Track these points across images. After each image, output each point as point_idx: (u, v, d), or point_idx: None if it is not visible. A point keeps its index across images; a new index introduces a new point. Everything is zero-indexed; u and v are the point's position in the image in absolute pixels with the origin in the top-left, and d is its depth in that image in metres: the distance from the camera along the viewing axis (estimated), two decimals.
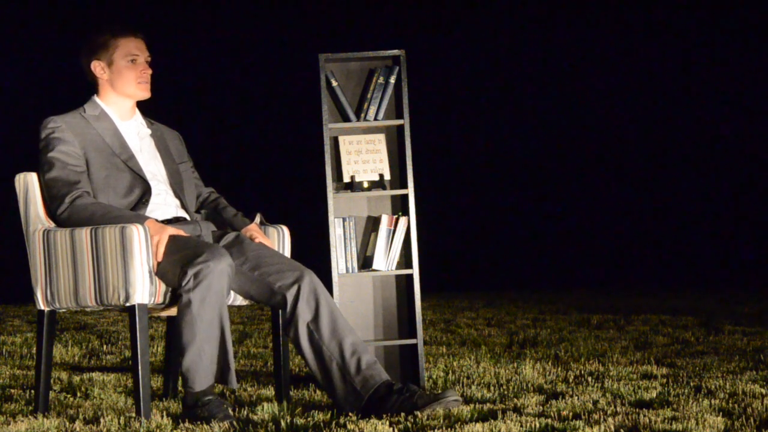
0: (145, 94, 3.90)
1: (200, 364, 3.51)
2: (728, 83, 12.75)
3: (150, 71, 3.89)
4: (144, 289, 3.55)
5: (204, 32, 12.04)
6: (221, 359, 3.54)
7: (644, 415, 3.39)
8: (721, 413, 3.45)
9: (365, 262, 4.54)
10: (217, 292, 3.53)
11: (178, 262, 3.55)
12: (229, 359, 3.55)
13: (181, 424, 3.41)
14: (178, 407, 3.84)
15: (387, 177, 4.56)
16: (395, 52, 4.52)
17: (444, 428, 3.27)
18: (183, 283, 3.51)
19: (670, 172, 13.06)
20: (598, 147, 13.07)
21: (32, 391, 4.21)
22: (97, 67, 3.86)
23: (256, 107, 12.32)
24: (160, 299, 3.62)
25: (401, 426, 3.31)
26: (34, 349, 5.73)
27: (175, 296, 3.63)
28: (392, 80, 4.54)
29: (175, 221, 3.82)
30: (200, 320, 3.51)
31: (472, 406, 3.65)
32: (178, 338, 3.54)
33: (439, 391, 3.58)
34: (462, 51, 12.79)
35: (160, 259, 3.60)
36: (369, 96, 4.54)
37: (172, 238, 3.63)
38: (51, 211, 3.73)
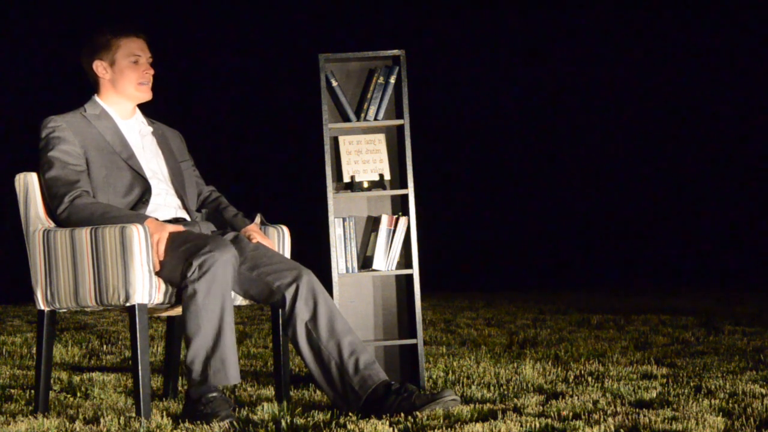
0: (146, 95, 3.90)
1: (204, 357, 3.50)
2: (728, 84, 12.75)
3: (152, 72, 3.89)
4: (144, 289, 3.55)
5: (204, 32, 12.04)
6: (223, 353, 3.52)
7: (644, 415, 3.39)
8: (721, 413, 3.45)
9: (365, 262, 4.54)
10: (222, 283, 3.53)
11: (182, 256, 3.55)
12: (230, 353, 3.52)
13: (181, 424, 3.41)
14: (178, 407, 3.84)
15: (387, 177, 4.56)
16: (395, 52, 4.52)
17: (444, 428, 3.27)
18: (188, 274, 3.51)
19: (671, 172, 13.06)
20: (599, 147, 13.07)
21: (32, 391, 4.21)
22: (99, 66, 3.86)
23: (256, 107, 12.32)
24: (161, 299, 3.62)
25: (401, 426, 3.31)
26: (34, 349, 5.73)
27: (179, 296, 3.62)
28: (392, 80, 4.54)
29: (174, 222, 3.82)
30: (205, 311, 3.50)
31: (472, 406, 3.65)
32: (183, 329, 3.53)
33: (437, 391, 3.58)
34: (462, 51, 12.79)
35: (161, 257, 3.59)
36: (369, 96, 4.54)
37: (173, 235, 3.63)
38: (51, 211, 3.73)
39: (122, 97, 3.88)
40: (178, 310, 3.89)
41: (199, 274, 3.51)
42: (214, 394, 3.50)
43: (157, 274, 3.61)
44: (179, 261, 3.56)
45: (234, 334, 3.55)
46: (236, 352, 3.55)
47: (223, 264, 3.53)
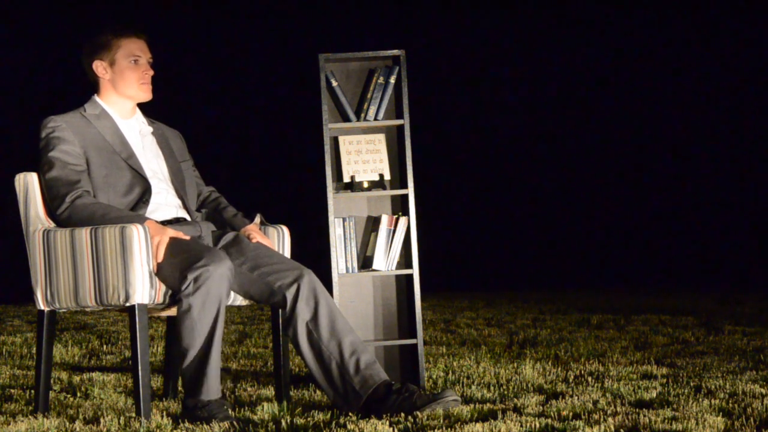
0: (146, 95, 3.89)
1: (198, 369, 3.50)
2: (726, 86, 12.75)
3: (152, 72, 3.89)
4: (144, 289, 3.55)
5: (204, 32, 12.04)
6: (210, 368, 3.50)
7: (644, 415, 3.39)
8: (721, 413, 3.45)
9: (365, 262, 4.54)
10: (216, 297, 3.52)
11: (178, 266, 3.55)
12: (214, 368, 3.51)
13: (181, 424, 3.41)
14: (178, 407, 3.84)
15: (387, 177, 4.56)
16: (395, 52, 4.52)
17: (444, 428, 3.27)
18: (183, 288, 3.51)
19: (670, 173, 13.06)
20: (599, 147, 13.07)
21: (32, 391, 4.21)
22: (99, 66, 3.85)
23: (256, 107, 12.32)
24: (160, 299, 3.62)
25: (401, 426, 3.31)
26: (34, 349, 5.73)
27: (174, 298, 3.62)
28: (392, 80, 4.54)
29: (175, 222, 3.82)
30: (200, 324, 3.50)
31: (472, 406, 3.65)
32: (178, 342, 3.53)
33: (438, 391, 3.58)
34: (462, 51, 12.79)
35: (160, 260, 3.59)
36: (369, 96, 4.54)
37: (173, 241, 3.62)
38: (51, 211, 3.72)
39: (122, 97, 3.88)
40: (175, 310, 3.88)
41: (194, 288, 3.51)
42: (209, 398, 3.50)
43: (156, 274, 3.61)
44: (175, 269, 3.56)
45: (221, 348, 3.55)
46: (219, 366, 3.55)
47: (218, 278, 3.52)
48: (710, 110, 12.86)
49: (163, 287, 3.61)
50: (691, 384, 4.14)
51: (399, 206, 4.60)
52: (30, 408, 3.84)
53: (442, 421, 3.37)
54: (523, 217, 13.15)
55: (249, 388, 4.29)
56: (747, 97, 12.71)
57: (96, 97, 3.89)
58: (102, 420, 3.46)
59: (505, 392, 4.03)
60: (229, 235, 3.88)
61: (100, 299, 3.59)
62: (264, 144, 12.36)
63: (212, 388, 3.51)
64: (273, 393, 4.09)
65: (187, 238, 3.70)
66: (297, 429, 3.32)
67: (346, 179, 4.54)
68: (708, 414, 3.41)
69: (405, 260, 4.56)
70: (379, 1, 12.27)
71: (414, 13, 12.44)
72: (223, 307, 3.55)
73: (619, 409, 3.56)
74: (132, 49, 3.86)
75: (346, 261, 4.49)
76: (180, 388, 4.27)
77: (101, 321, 7.50)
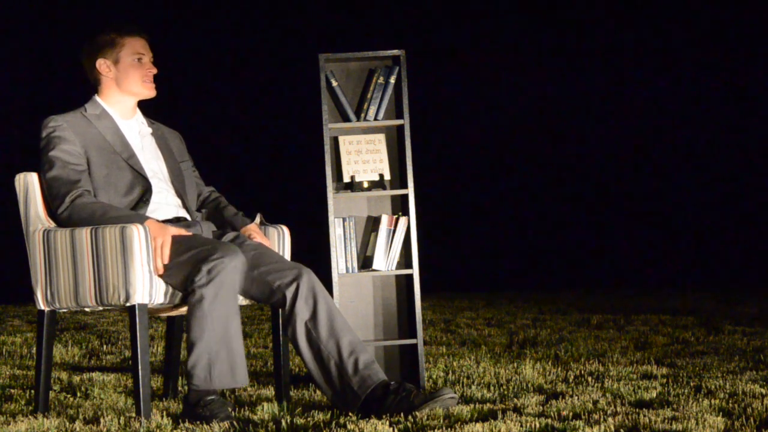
0: (150, 93, 3.90)
1: (207, 362, 3.51)
2: (724, 88, 12.75)
3: (155, 71, 3.90)
4: (144, 289, 3.55)
5: (204, 32, 12.04)
6: (230, 357, 3.53)
7: (644, 415, 3.39)
8: (721, 413, 3.46)
9: (365, 262, 4.54)
10: (230, 289, 3.53)
11: (189, 261, 3.55)
12: (238, 357, 3.54)
13: (181, 424, 3.41)
14: (178, 407, 3.84)
15: (387, 177, 4.56)
16: (395, 52, 4.52)
17: (444, 428, 3.27)
18: (196, 279, 3.51)
19: (670, 172, 13.06)
20: (598, 147, 13.07)
21: (32, 391, 4.21)
22: (103, 65, 3.86)
23: (257, 107, 12.32)
24: (161, 299, 3.61)
25: (401, 426, 3.31)
26: (34, 349, 5.73)
27: (184, 297, 3.62)
28: (392, 80, 4.54)
29: (175, 221, 3.82)
30: (211, 317, 3.50)
31: (472, 406, 3.65)
32: (187, 334, 3.53)
33: (436, 390, 3.58)
34: (462, 51, 12.79)
35: (166, 261, 3.58)
36: (369, 96, 4.54)
37: (177, 239, 3.63)
38: (51, 211, 3.73)
39: (126, 94, 3.88)
40: (180, 311, 3.89)
41: (207, 279, 3.51)
42: (212, 397, 3.51)
43: (161, 277, 3.61)
44: (185, 266, 3.56)
45: (242, 338, 3.55)
46: (244, 355, 3.55)
47: (232, 270, 3.53)
48: (711, 109, 12.86)
49: (164, 287, 3.61)
50: (691, 384, 4.14)
51: (399, 206, 4.60)
52: (30, 408, 3.84)
53: (442, 421, 3.37)
54: (523, 217, 13.15)
55: (249, 388, 4.29)
56: (750, 96, 12.71)
57: (96, 97, 3.89)
58: (102, 420, 3.46)
59: (505, 392, 4.03)
60: (229, 235, 3.88)
61: (101, 299, 3.59)
62: (264, 144, 12.36)
63: (240, 377, 3.52)
64: (273, 393, 4.10)
65: (190, 233, 3.70)
66: (297, 429, 3.32)
67: (346, 179, 4.55)
68: (708, 414, 3.41)
69: (405, 260, 4.56)
70: (379, 1, 12.27)
71: (414, 13, 12.44)
72: (236, 299, 3.57)
73: (619, 409, 3.56)
74: (136, 47, 3.87)
75: (346, 261, 4.49)
76: (180, 388, 4.27)
77: (101, 321, 7.50)
